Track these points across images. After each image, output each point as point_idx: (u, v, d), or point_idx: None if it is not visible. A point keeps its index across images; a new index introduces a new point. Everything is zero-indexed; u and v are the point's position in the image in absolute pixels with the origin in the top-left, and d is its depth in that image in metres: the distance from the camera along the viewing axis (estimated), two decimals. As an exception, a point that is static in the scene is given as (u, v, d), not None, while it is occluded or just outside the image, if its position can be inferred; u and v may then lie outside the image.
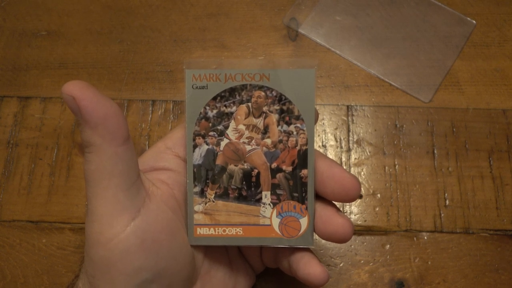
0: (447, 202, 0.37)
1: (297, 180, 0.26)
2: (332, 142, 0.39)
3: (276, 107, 0.26)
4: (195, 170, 0.27)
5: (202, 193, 0.27)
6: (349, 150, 0.39)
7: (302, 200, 0.26)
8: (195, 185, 0.27)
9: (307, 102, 0.26)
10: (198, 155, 0.27)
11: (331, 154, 0.38)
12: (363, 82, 0.41)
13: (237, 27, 0.43)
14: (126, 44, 0.43)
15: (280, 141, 0.26)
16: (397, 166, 0.38)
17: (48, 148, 0.39)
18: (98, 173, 0.24)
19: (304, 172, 0.26)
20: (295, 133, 0.26)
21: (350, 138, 0.39)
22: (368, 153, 0.38)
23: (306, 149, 0.26)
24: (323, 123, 0.39)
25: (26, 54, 0.43)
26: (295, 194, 0.26)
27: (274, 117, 0.26)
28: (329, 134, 0.39)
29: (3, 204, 0.37)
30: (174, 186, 0.27)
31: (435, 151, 0.38)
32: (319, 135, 0.39)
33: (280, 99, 0.26)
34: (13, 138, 0.39)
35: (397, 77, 0.41)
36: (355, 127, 0.39)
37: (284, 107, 0.26)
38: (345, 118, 0.40)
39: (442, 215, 0.36)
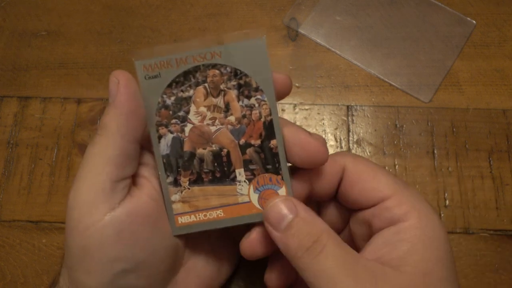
0: (447, 202, 0.37)
1: (267, 152, 0.26)
2: (332, 142, 0.39)
3: (233, 82, 0.26)
4: (164, 160, 0.26)
5: (176, 182, 0.27)
6: (349, 150, 0.39)
7: (276, 171, 0.26)
8: (168, 176, 0.27)
9: (263, 72, 0.26)
10: (164, 145, 0.26)
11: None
12: (363, 82, 0.41)
13: (237, 27, 0.43)
14: (126, 44, 0.43)
15: (244, 116, 0.26)
16: (397, 166, 0.38)
17: (48, 148, 0.39)
18: (97, 158, 0.24)
19: (273, 142, 0.26)
20: (257, 105, 0.26)
21: (350, 138, 0.39)
22: (368, 153, 0.38)
23: (271, 119, 0.26)
24: (323, 123, 0.39)
25: (26, 54, 0.43)
26: (269, 166, 0.26)
27: (233, 93, 0.26)
28: (329, 134, 0.39)
29: (3, 204, 0.37)
30: (152, 178, 0.27)
31: (435, 151, 0.38)
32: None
33: (236, 74, 0.26)
34: (13, 138, 0.39)
35: (397, 77, 0.41)
36: (355, 127, 0.39)
37: (241, 81, 0.26)
38: (345, 118, 0.40)
39: (442, 215, 0.36)
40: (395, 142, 0.39)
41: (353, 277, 0.22)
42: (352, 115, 0.40)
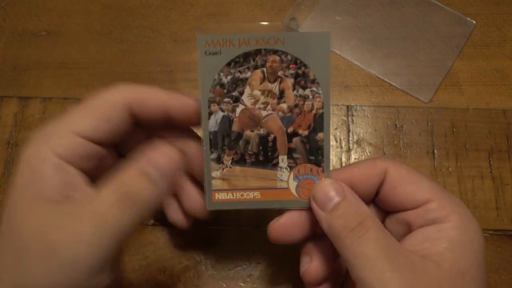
0: (447, 202, 0.37)
1: (313, 144, 0.27)
2: (332, 142, 0.39)
3: (291, 71, 0.26)
4: (211, 137, 0.27)
5: (219, 160, 0.27)
6: (349, 150, 0.39)
7: (318, 163, 0.27)
8: (212, 152, 0.27)
9: (322, 66, 0.26)
10: (213, 122, 0.27)
11: (331, 154, 0.38)
12: (363, 82, 0.41)
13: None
14: (126, 44, 0.43)
15: (296, 106, 0.26)
16: (397, 166, 0.38)
17: (48, 148, 0.39)
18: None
19: (320, 135, 0.26)
20: (311, 97, 0.26)
21: (350, 138, 0.39)
22: (368, 153, 0.38)
23: (322, 113, 0.26)
24: (323, 123, 0.40)
25: (26, 54, 0.43)
26: (312, 157, 0.27)
27: (290, 81, 0.26)
28: (329, 134, 0.39)
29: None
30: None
31: (435, 151, 0.38)
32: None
33: (295, 63, 0.26)
34: (13, 138, 0.39)
35: (397, 77, 0.41)
36: (355, 127, 0.39)
37: (299, 71, 0.26)
38: (345, 118, 0.40)
39: (442, 215, 0.36)
40: (395, 142, 0.39)
41: (393, 263, 0.23)
42: (352, 115, 0.40)
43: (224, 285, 0.34)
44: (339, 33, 0.43)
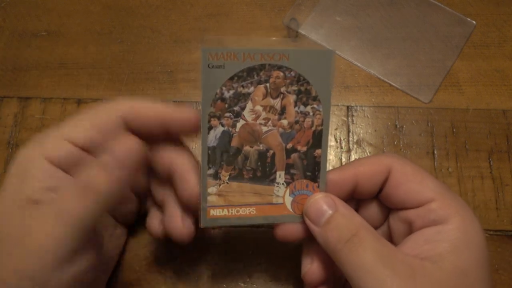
0: (447, 202, 0.37)
1: (310, 160, 0.27)
2: (332, 143, 0.39)
3: (294, 87, 0.26)
4: (209, 152, 0.26)
5: (216, 176, 0.27)
6: (349, 150, 0.39)
7: (314, 178, 0.27)
8: (209, 168, 0.27)
9: (324, 83, 0.26)
10: (213, 137, 0.26)
11: (331, 154, 0.38)
12: (363, 82, 0.41)
13: (237, 27, 0.43)
14: (126, 45, 0.43)
15: (297, 122, 0.26)
16: (397, 166, 0.38)
17: (48, 149, 0.39)
18: None
19: (318, 152, 0.27)
20: (311, 113, 0.26)
21: (350, 139, 0.39)
22: (368, 154, 0.38)
23: (321, 130, 0.26)
24: (323, 124, 0.40)
25: (26, 54, 0.43)
26: (308, 173, 0.27)
27: (292, 97, 0.26)
28: (329, 135, 0.39)
29: (3, 204, 0.37)
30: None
31: (435, 152, 0.38)
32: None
33: (299, 79, 0.26)
34: (13, 139, 0.39)
35: (397, 77, 0.41)
36: (355, 127, 0.39)
37: (302, 88, 0.26)
38: (345, 119, 0.40)
39: (442, 215, 0.36)
40: (395, 142, 0.39)
41: (392, 270, 0.23)
42: (352, 115, 0.40)
43: (224, 285, 0.34)
44: (339, 33, 0.43)
